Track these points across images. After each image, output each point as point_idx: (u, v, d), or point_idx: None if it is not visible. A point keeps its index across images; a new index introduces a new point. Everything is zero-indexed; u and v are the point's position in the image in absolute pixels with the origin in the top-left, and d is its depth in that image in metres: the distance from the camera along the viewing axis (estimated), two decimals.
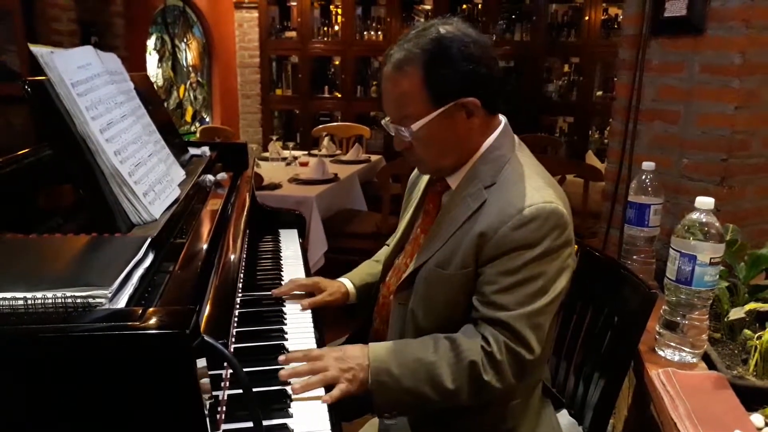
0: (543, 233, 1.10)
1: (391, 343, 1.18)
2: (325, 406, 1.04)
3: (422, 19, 5.66)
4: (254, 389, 0.86)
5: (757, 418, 1.05)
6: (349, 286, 1.47)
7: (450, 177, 1.25)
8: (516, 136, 1.26)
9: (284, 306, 1.42)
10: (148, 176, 1.13)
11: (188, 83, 5.76)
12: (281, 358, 1.14)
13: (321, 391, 1.08)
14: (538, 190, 1.14)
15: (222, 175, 1.60)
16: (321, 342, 1.30)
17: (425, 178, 1.39)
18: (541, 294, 1.11)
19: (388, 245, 1.51)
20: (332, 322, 1.49)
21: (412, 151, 1.21)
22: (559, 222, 1.12)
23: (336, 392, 1.07)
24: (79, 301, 0.72)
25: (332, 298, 1.43)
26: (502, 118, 1.25)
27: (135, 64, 4.60)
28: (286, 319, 1.36)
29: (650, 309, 1.22)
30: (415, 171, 1.45)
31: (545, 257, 1.11)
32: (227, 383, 0.99)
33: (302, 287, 1.47)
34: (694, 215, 1.22)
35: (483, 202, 1.16)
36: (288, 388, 1.07)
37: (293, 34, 5.96)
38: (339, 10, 5.84)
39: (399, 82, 1.15)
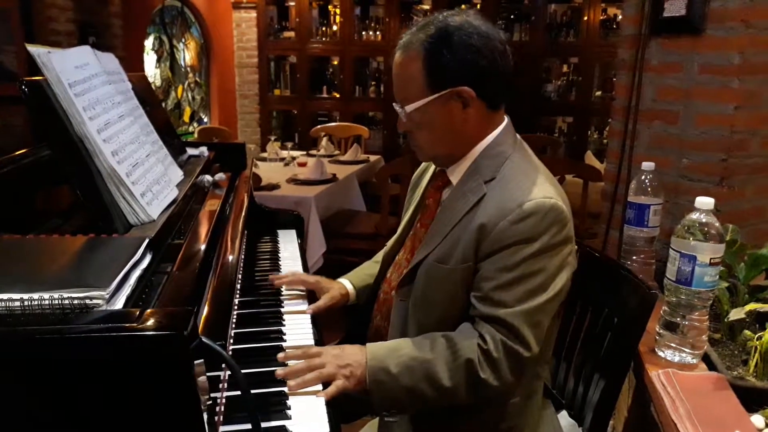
0: (542, 228, 1.10)
1: (388, 343, 1.18)
2: (324, 408, 1.04)
3: (421, 19, 5.66)
4: (253, 391, 0.86)
5: (757, 419, 1.04)
6: (350, 287, 1.47)
7: (451, 173, 1.25)
8: (517, 135, 1.26)
9: (282, 307, 1.42)
10: (145, 177, 1.13)
11: (186, 83, 5.75)
12: (280, 355, 1.15)
13: (319, 388, 1.08)
14: (538, 186, 1.14)
15: (220, 176, 1.59)
16: (320, 343, 1.29)
17: (428, 176, 1.38)
18: (540, 291, 1.11)
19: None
20: (330, 323, 1.49)
21: (412, 134, 1.24)
22: (559, 218, 1.12)
23: (332, 389, 1.07)
24: (76, 302, 0.72)
25: (334, 301, 1.43)
26: (505, 117, 1.25)
27: (133, 64, 4.59)
28: (284, 320, 1.36)
29: (650, 310, 1.22)
30: (419, 170, 1.45)
31: (544, 253, 1.11)
32: (225, 385, 0.99)
33: (304, 283, 1.47)
34: (694, 215, 1.22)
35: (482, 196, 1.16)
36: (287, 389, 1.07)
37: (291, 34, 5.96)
38: (337, 10, 5.83)
39: (402, 64, 1.19)
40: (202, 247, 1.07)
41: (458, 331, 1.15)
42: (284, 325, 1.33)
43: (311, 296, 1.46)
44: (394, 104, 1.24)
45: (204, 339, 0.75)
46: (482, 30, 1.17)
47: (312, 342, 1.27)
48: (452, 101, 1.16)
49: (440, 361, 1.11)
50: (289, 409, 1.03)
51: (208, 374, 0.77)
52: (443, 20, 1.18)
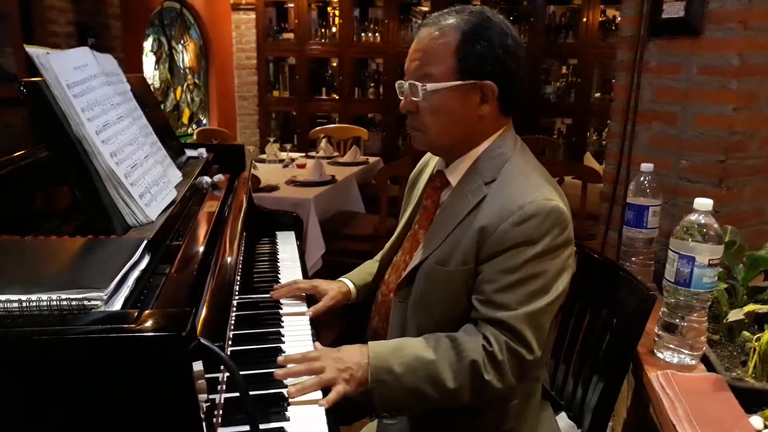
0: (544, 230, 1.10)
1: (391, 342, 1.17)
2: (322, 409, 1.04)
3: (419, 21, 5.67)
4: (251, 392, 0.85)
5: (756, 420, 1.04)
6: (351, 285, 1.46)
7: (450, 173, 1.25)
8: (519, 138, 1.26)
9: (281, 309, 1.41)
10: (144, 178, 1.13)
11: (185, 85, 5.76)
12: (280, 358, 1.13)
13: (318, 394, 1.07)
14: (538, 188, 1.14)
15: (219, 177, 1.59)
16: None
17: (425, 175, 1.38)
18: (542, 293, 1.11)
19: None
20: (326, 323, 1.49)
21: (416, 115, 1.21)
22: (560, 220, 1.12)
23: (333, 395, 1.06)
24: (74, 303, 0.72)
25: (334, 301, 1.42)
26: (510, 122, 1.25)
27: (132, 65, 4.59)
28: (283, 321, 1.35)
29: (649, 311, 1.22)
30: (416, 169, 1.45)
31: (546, 255, 1.10)
32: (224, 386, 0.98)
33: (301, 291, 1.46)
34: (693, 216, 1.22)
35: (483, 198, 1.16)
36: (285, 391, 1.06)
37: (290, 35, 5.96)
38: (336, 12, 5.84)
39: (434, 40, 1.17)
40: (201, 248, 1.07)
41: (462, 331, 1.15)
42: (283, 327, 1.33)
43: (310, 298, 1.46)
44: (402, 81, 1.22)
45: (202, 340, 0.74)
46: (516, 36, 1.19)
47: (310, 342, 1.27)
48: (473, 93, 1.17)
49: (444, 362, 1.10)
50: (288, 410, 1.03)
51: (206, 376, 0.77)
52: (482, 11, 1.18)
